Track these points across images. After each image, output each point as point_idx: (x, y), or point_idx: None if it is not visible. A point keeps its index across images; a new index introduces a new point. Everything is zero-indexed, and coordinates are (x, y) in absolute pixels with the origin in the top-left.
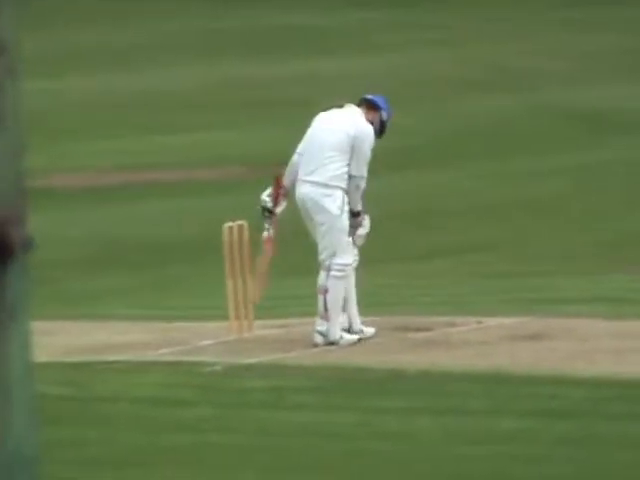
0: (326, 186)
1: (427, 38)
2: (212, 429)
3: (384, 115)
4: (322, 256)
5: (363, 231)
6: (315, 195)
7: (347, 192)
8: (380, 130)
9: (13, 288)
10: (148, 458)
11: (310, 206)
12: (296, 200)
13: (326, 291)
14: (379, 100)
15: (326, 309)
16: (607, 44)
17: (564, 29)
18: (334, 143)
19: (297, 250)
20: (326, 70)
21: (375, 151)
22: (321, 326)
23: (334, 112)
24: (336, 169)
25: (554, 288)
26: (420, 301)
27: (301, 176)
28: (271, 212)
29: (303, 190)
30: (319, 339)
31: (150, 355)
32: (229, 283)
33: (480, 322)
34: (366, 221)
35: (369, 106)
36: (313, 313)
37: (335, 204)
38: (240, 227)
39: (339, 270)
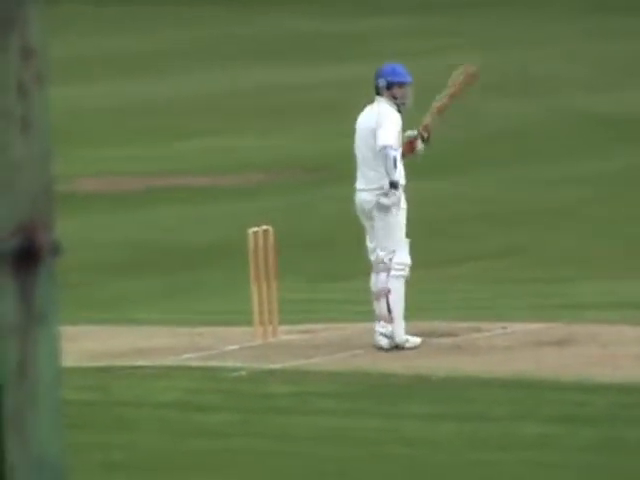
0: (380, 188)
1: (445, 44)
2: (237, 434)
3: (381, 82)
4: (376, 255)
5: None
6: (372, 199)
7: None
8: (394, 96)
9: (41, 293)
10: (173, 463)
11: (369, 208)
12: (355, 206)
13: (388, 292)
14: (377, 80)
15: (389, 310)
16: (630, 51)
17: (586, 35)
18: (368, 146)
19: (324, 257)
20: (345, 76)
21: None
22: (384, 328)
23: (364, 112)
24: (382, 171)
25: (579, 294)
26: (445, 306)
27: (357, 186)
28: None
29: (362, 197)
30: (384, 342)
31: (175, 360)
32: (254, 288)
33: (505, 328)
34: (402, 197)
35: (376, 89)
36: (339, 319)
37: (391, 201)
38: (265, 232)
39: (400, 269)
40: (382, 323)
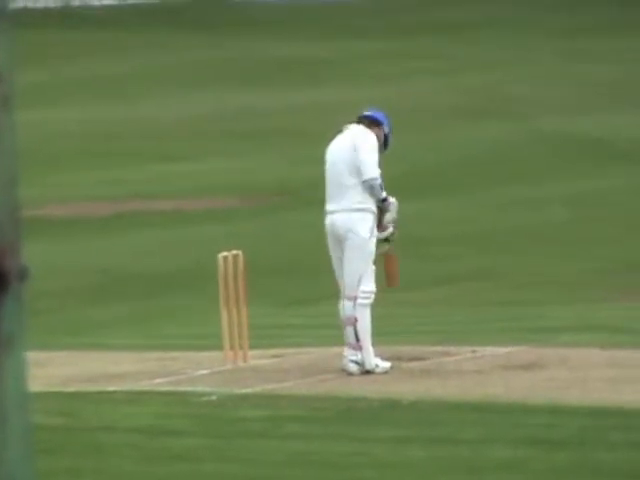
0: (356, 210)
1: (423, 67)
2: (207, 459)
3: (386, 129)
4: (344, 282)
5: (390, 216)
6: (346, 221)
7: (378, 210)
8: (384, 144)
9: (8, 318)
10: None
11: (342, 232)
12: (326, 229)
13: (356, 320)
14: (378, 115)
15: (357, 339)
16: (605, 73)
17: (562, 58)
18: (348, 169)
19: (293, 281)
20: (321, 100)
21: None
22: (354, 356)
23: (337, 139)
24: (359, 192)
25: (549, 317)
26: (414, 330)
27: (329, 208)
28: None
29: (334, 219)
30: (354, 368)
31: (145, 385)
32: (224, 313)
33: (474, 351)
34: (392, 206)
35: (370, 123)
36: (308, 343)
37: (367, 226)
38: (235, 257)
39: (365, 297)
40: (351, 350)
